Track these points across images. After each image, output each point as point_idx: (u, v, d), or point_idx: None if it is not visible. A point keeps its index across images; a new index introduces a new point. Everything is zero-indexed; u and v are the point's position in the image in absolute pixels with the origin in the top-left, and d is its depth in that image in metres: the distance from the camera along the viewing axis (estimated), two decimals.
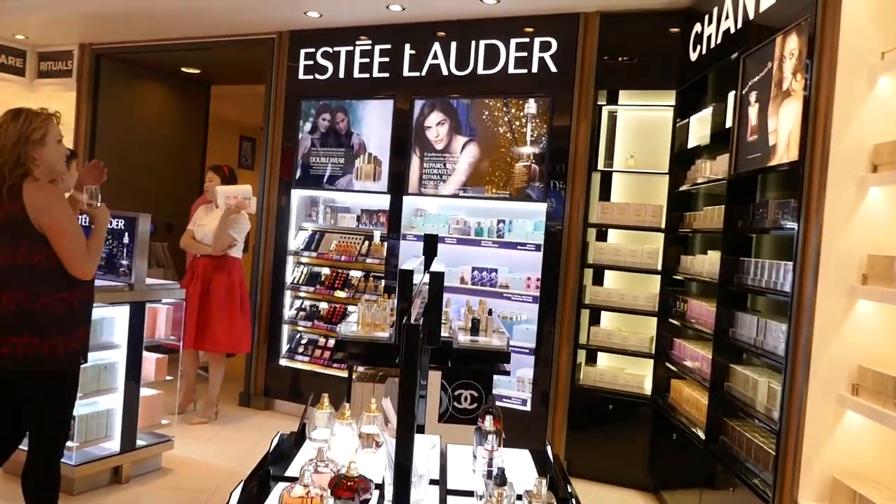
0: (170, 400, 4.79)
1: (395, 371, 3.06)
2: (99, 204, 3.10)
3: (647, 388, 4.90)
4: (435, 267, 1.78)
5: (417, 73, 5.59)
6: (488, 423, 1.91)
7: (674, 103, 4.81)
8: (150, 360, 4.39)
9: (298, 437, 2.18)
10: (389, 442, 1.56)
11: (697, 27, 4.46)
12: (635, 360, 5.01)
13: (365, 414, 2.07)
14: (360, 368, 3.14)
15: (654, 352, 4.87)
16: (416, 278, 1.83)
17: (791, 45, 3.17)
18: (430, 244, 3.11)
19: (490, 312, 3.34)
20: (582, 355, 5.16)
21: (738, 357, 3.77)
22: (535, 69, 5.17)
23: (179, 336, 4.66)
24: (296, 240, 6.18)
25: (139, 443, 4.31)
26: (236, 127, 9.70)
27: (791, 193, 3.27)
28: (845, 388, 2.78)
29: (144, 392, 4.31)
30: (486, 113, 5.35)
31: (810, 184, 2.87)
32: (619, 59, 4.95)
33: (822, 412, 2.82)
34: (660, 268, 4.85)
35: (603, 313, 5.23)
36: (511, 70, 5.26)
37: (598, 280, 5.22)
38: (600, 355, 5.23)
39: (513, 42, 5.25)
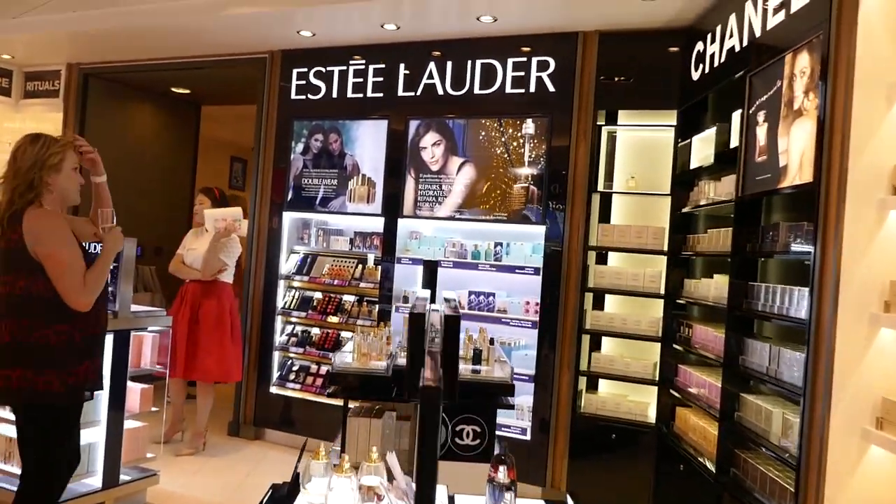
0: (155, 432, 4.61)
1: (393, 405, 2.91)
2: (111, 227, 3.00)
3: (651, 415, 4.76)
4: (447, 307, 1.62)
5: (412, 93, 5.48)
6: (502, 474, 1.74)
7: (675, 123, 4.71)
8: (134, 390, 4.21)
9: (292, 488, 2.02)
10: (395, 502, 1.41)
11: (699, 46, 4.37)
12: (638, 386, 4.87)
13: (364, 464, 1.91)
14: (356, 402, 2.98)
15: (657, 378, 4.73)
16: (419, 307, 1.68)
17: (802, 63, 3.06)
18: (431, 271, 2.96)
19: (492, 342, 3.19)
20: (583, 382, 5.01)
21: (749, 385, 3.63)
22: (532, 89, 5.07)
23: (166, 363, 4.48)
24: (287, 263, 6.02)
25: (123, 478, 4.11)
26: (227, 148, 9.57)
27: (802, 216, 3.16)
28: (869, 421, 2.64)
29: (129, 424, 4.13)
30: (483, 133, 5.23)
31: (827, 206, 2.75)
32: (619, 78, 4.85)
33: (845, 447, 2.68)
34: (663, 291, 4.72)
35: (604, 339, 5.08)
36: (508, 90, 5.15)
37: (599, 304, 5.08)
38: (602, 382, 5.08)
39: (510, 61, 5.14)
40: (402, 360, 3.07)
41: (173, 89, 7.95)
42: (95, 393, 3.15)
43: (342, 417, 2.86)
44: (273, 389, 5.89)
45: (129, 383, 4.12)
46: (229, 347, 5.31)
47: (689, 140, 4.53)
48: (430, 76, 5.41)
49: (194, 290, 5.31)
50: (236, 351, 5.42)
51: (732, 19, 3.86)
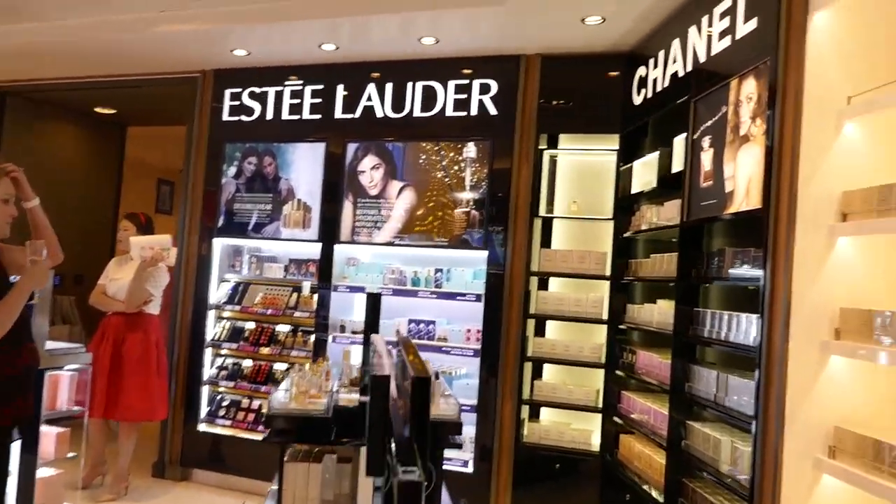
0: (73, 478, 4.26)
1: (333, 448, 2.72)
2: (36, 260, 2.73)
3: (595, 443, 4.69)
4: (413, 366, 1.44)
5: (351, 115, 5.33)
6: None
7: (617, 147, 4.70)
8: (49, 435, 3.87)
9: None
10: None
11: (642, 71, 4.37)
12: (581, 414, 4.81)
13: None
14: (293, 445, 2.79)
15: (601, 405, 4.67)
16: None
17: (748, 89, 3.05)
18: (373, 303, 2.80)
19: (437, 376, 3.04)
20: (525, 411, 4.91)
21: (696, 413, 3.58)
22: (474, 112, 4.99)
23: (85, 402, 4.15)
24: (217, 292, 5.75)
25: None
26: (154, 170, 9.21)
27: (745, 241, 3.14)
28: (821, 450, 2.60)
29: (42, 472, 3.78)
30: (424, 157, 5.12)
31: (776, 233, 2.73)
32: (561, 102, 4.82)
33: (798, 476, 2.63)
34: (605, 317, 4.68)
35: (546, 366, 5.00)
36: (449, 112, 5.06)
37: (541, 331, 5.00)
38: (544, 410, 4.99)
39: (451, 84, 5.06)
40: (343, 397, 2.90)
41: (97, 109, 7.59)
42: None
43: (279, 461, 2.66)
44: (202, 426, 5.58)
45: (44, 427, 3.78)
46: (154, 383, 4.99)
47: (630, 165, 4.52)
48: (370, 98, 5.28)
49: (117, 323, 4.98)
50: (162, 387, 5.10)
51: (676, 44, 3.87)
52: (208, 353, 5.70)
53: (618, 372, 4.53)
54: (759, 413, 2.77)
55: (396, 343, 2.35)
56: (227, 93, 5.72)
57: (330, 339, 5.26)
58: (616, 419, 4.47)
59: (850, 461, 2.45)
